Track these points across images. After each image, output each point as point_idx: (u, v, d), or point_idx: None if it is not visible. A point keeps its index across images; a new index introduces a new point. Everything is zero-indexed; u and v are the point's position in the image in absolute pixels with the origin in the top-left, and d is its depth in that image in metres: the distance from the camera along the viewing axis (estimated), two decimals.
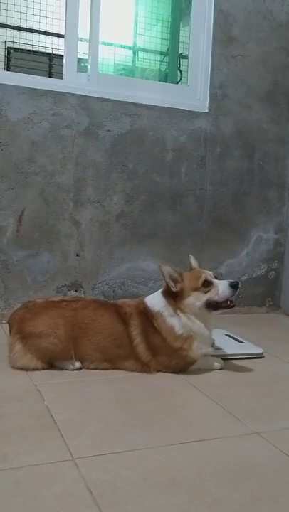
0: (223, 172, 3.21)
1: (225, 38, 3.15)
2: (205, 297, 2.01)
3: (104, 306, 2.12)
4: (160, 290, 2.12)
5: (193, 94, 3.17)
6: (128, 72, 3.84)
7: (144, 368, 2.02)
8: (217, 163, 3.19)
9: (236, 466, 1.33)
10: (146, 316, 2.05)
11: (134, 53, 3.79)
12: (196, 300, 2.01)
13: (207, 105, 3.15)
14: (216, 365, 2.11)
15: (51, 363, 2.01)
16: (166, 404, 1.74)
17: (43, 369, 1.99)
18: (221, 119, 3.18)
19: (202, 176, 3.16)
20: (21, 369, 1.96)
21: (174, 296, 2.03)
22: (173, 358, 2.02)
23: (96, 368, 2.03)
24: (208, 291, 2.01)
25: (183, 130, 3.09)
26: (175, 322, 2.01)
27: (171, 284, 2.01)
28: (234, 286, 2.00)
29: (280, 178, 3.37)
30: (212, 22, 3.12)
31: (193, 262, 2.17)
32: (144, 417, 1.62)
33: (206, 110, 3.15)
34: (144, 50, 3.76)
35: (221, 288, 2.00)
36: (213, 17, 3.12)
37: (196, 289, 2.01)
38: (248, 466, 1.34)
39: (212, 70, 3.13)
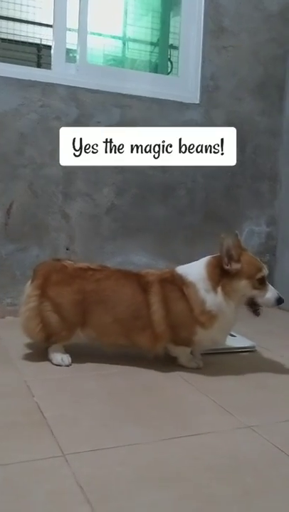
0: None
1: (216, 28, 3.12)
2: (253, 293, 1.93)
3: (127, 277, 2.07)
4: (203, 260, 2.02)
5: (184, 85, 3.15)
6: (118, 62, 3.81)
7: (155, 343, 1.98)
8: None
9: (229, 460, 1.32)
10: (172, 283, 1.99)
11: (123, 44, 3.76)
12: (245, 290, 1.93)
13: (198, 97, 3.12)
14: (194, 364, 2.06)
15: (45, 339, 2.01)
16: (159, 399, 1.73)
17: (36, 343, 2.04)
18: (212, 111, 3.15)
19: (193, 168, 3.14)
20: (25, 329, 2.01)
21: (221, 272, 1.92)
22: (186, 330, 1.96)
23: (112, 345, 2.02)
24: (257, 289, 1.93)
25: (174, 122, 3.06)
26: (209, 298, 1.92)
27: (225, 260, 1.91)
28: (280, 301, 1.95)
29: (271, 170, 3.36)
30: (203, 12, 3.09)
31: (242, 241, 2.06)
32: (136, 412, 1.60)
33: (197, 102, 3.12)
34: (134, 41, 3.72)
35: (269, 295, 1.94)
36: (204, 7, 3.09)
37: (250, 279, 1.92)
38: (240, 460, 1.32)
39: (203, 61, 3.11)
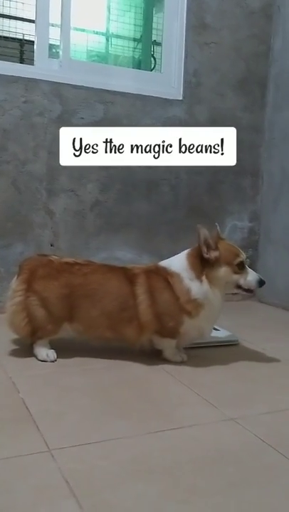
0: None
1: (198, 24, 3.13)
2: (235, 277, 1.99)
3: (113, 270, 2.11)
4: (184, 252, 2.08)
5: (167, 81, 3.16)
6: (101, 58, 3.79)
7: (141, 334, 2.01)
8: None
9: (212, 452, 1.34)
10: (157, 274, 2.03)
11: (107, 40, 3.74)
12: (227, 276, 1.98)
13: (181, 93, 3.14)
14: (178, 358, 2.08)
15: (31, 334, 2.01)
16: (143, 393, 1.74)
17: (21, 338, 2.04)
18: (195, 107, 3.17)
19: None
20: (10, 324, 2.01)
21: (202, 262, 1.98)
22: (173, 319, 1.99)
23: (98, 339, 2.04)
24: (238, 273, 2.00)
25: (157, 118, 3.07)
26: (194, 286, 1.97)
27: (204, 249, 1.97)
28: (261, 283, 2.02)
29: (254, 166, 3.39)
30: (185, 8, 3.10)
31: (220, 232, 2.11)
32: (120, 406, 1.61)
33: (180, 98, 3.13)
34: (118, 37, 3.71)
35: (250, 277, 2.01)
36: (187, 3, 3.10)
37: (229, 265, 1.99)
38: (224, 452, 1.35)
39: (186, 57, 3.12)
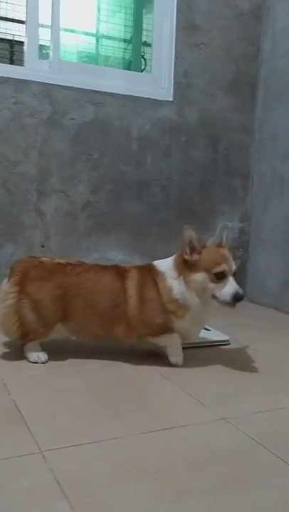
0: (188, 161, 3.22)
1: (188, 25, 3.14)
2: (210, 286, 1.91)
3: (106, 268, 2.11)
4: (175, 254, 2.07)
5: (157, 82, 3.16)
6: (91, 59, 3.79)
7: (130, 332, 2.00)
8: (182, 152, 3.20)
9: (205, 452, 1.34)
10: (149, 271, 2.04)
11: (97, 40, 3.74)
12: (202, 282, 1.92)
13: (171, 94, 3.14)
14: (174, 360, 2.07)
15: (22, 337, 2.00)
16: (135, 394, 1.74)
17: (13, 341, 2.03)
18: (185, 108, 3.18)
19: (168, 165, 3.16)
20: (1, 326, 1.99)
21: (184, 263, 1.96)
22: (160, 317, 1.99)
23: (90, 337, 2.04)
24: (215, 282, 1.90)
25: (148, 119, 3.07)
26: (175, 285, 1.96)
27: (186, 250, 1.93)
28: (236, 297, 1.90)
29: (244, 167, 3.41)
30: (175, 9, 3.11)
31: (225, 239, 2.09)
32: (113, 407, 1.61)
33: (171, 99, 3.14)
34: (108, 38, 3.71)
35: (226, 289, 1.89)
36: (176, 4, 3.10)
37: (206, 272, 1.91)
38: (216, 451, 1.35)
39: (176, 58, 3.13)
